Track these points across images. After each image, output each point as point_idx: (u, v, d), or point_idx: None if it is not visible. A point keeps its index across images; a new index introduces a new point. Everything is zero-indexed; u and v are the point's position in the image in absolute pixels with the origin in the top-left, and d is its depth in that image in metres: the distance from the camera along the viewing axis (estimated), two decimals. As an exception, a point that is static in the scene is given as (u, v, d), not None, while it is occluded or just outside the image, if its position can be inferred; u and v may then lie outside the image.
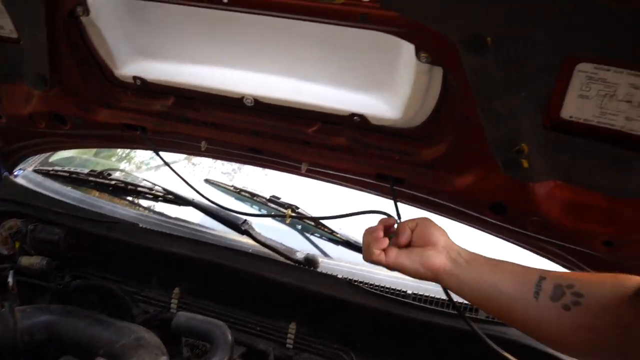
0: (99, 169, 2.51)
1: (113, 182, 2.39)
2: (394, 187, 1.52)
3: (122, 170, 2.77)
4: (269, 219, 2.27)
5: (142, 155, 3.06)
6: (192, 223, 2.19)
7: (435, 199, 1.51)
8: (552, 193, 1.26)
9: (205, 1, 1.23)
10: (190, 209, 2.19)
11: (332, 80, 1.38)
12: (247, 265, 1.92)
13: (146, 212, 2.33)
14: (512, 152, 1.18)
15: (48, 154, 2.50)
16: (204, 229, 2.13)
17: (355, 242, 2.10)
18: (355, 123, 1.40)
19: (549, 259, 1.59)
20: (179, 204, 2.28)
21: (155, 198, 2.36)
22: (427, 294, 1.76)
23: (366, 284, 1.82)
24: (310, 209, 2.15)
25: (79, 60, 1.55)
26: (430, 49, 1.11)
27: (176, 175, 1.90)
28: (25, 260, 2.08)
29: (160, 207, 2.40)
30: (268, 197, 2.27)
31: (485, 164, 1.29)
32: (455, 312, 1.57)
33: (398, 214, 1.42)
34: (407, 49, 1.16)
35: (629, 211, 1.20)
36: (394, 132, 1.40)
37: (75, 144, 2.21)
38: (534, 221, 1.37)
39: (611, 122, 1.05)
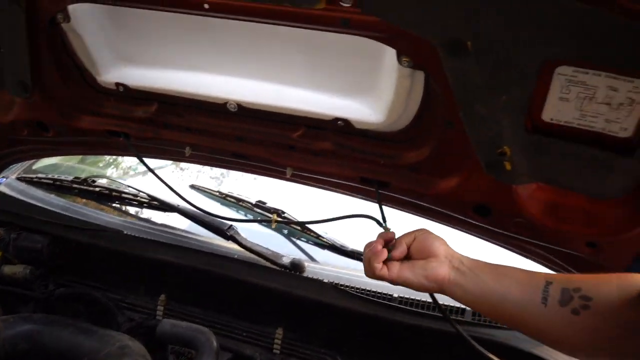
0: (84, 175, 2.49)
1: (97, 189, 2.37)
2: (379, 190, 1.52)
3: (106, 177, 2.74)
4: (255, 224, 2.26)
5: (129, 161, 3.04)
6: (178, 229, 2.17)
7: (420, 202, 1.52)
8: (534, 195, 1.28)
9: (186, 7, 1.22)
10: (176, 215, 2.18)
11: (316, 85, 1.39)
12: (233, 270, 1.92)
13: (131, 219, 2.30)
14: (494, 154, 1.19)
15: (31, 161, 2.48)
16: (189, 235, 2.11)
17: (341, 246, 2.10)
18: (339, 127, 1.40)
19: (534, 260, 1.60)
20: (165, 210, 2.27)
21: (141, 204, 2.35)
22: (413, 297, 1.76)
23: (352, 288, 1.82)
24: (296, 214, 2.14)
25: (60, 67, 1.54)
26: (411, 53, 1.11)
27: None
28: (8, 269, 2.06)
29: (146, 213, 2.38)
30: (254, 202, 2.27)
31: (469, 166, 1.30)
32: (440, 314, 1.57)
33: (383, 218, 1.43)
34: (389, 53, 1.16)
35: (610, 212, 1.22)
36: (377, 136, 1.41)
37: (59, 151, 2.19)
38: (517, 223, 1.37)
39: (591, 124, 1.06)
